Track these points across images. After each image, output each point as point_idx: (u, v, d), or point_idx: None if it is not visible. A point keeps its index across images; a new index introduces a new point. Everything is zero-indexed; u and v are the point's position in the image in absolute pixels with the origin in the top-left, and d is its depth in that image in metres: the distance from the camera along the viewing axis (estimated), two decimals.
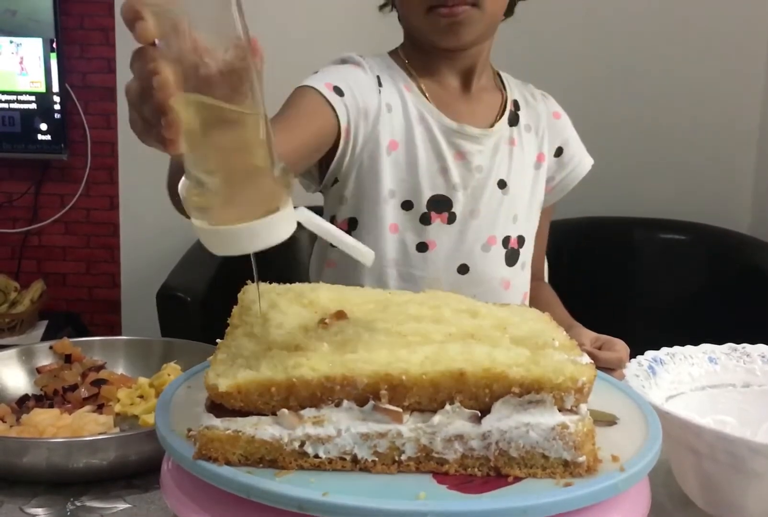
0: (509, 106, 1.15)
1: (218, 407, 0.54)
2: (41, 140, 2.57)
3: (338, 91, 1.02)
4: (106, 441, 0.73)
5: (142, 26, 0.50)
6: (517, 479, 0.53)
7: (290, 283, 0.72)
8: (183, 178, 0.55)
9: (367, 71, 1.09)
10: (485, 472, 0.53)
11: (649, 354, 0.79)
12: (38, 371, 0.91)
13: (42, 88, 2.54)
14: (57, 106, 2.55)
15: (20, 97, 2.55)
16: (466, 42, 1.06)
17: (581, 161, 1.22)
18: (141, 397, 0.89)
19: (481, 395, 0.53)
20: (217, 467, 0.52)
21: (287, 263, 2.12)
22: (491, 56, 1.16)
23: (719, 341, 0.83)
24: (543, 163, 1.18)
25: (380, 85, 1.09)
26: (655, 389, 0.75)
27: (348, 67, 1.09)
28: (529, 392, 0.53)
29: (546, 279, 1.34)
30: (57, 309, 2.64)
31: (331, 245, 1.12)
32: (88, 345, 0.94)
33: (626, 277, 2.45)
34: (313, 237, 0.77)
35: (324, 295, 0.68)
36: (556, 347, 0.58)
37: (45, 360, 0.92)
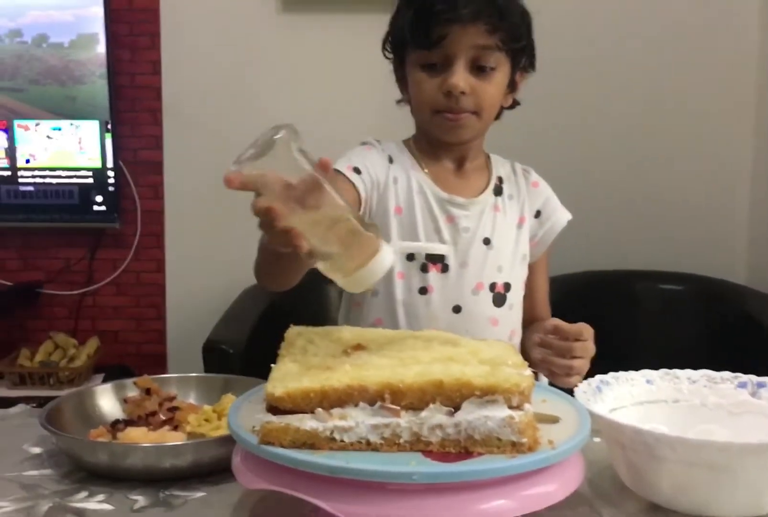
0: (494, 181, 1.41)
1: (274, 408, 0.78)
2: (96, 211, 2.83)
3: (357, 171, 1.31)
4: (186, 446, 0.98)
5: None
6: (480, 454, 0.76)
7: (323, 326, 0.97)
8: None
9: (380, 151, 1.38)
10: (458, 450, 0.77)
11: (598, 377, 1.02)
12: (125, 400, 1.16)
13: (98, 164, 2.81)
14: (111, 180, 2.81)
15: (78, 173, 2.82)
16: (463, 140, 1.33)
17: (558, 219, 1.45)
18: (206, 420, 1.13)
19: (453, 396, 0.77)
20: (274, 449, 0.76)
21: (320, 311, 2.42)
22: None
23: None
24: (524, 224, 1.42)
25: (391, 162, 1.37)
26: (600, 403, 0.98)
27: (364, 149, 1.38)
28: (487, 394, 0.76)
29: None
30: (110, 363, 2.87)
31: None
32: (167, 381, 1.19)
33: (627, 326, 2.59)
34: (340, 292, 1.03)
35: (347, 334, 0.93)
36: (509, 365, 0.82)
37: (131, 392, 1.17)
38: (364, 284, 0.87)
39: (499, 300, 1.37)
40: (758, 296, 2.62)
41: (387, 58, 1.37)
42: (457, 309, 1.34)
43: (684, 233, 2.83)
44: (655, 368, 1.07)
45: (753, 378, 1.02)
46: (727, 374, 1.03)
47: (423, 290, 1.33)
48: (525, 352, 1.31)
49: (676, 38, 2.75)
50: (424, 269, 1.34)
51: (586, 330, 1.20)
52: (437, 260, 1.34)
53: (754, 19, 2.74)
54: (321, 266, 0.86)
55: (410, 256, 1.34)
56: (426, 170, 1.37)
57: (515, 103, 1.38)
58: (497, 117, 1.36)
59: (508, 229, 1.40)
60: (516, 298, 1.40)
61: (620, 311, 2.62)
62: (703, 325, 2.61)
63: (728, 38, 2.75)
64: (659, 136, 2.80)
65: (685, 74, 2.76)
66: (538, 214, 1.44)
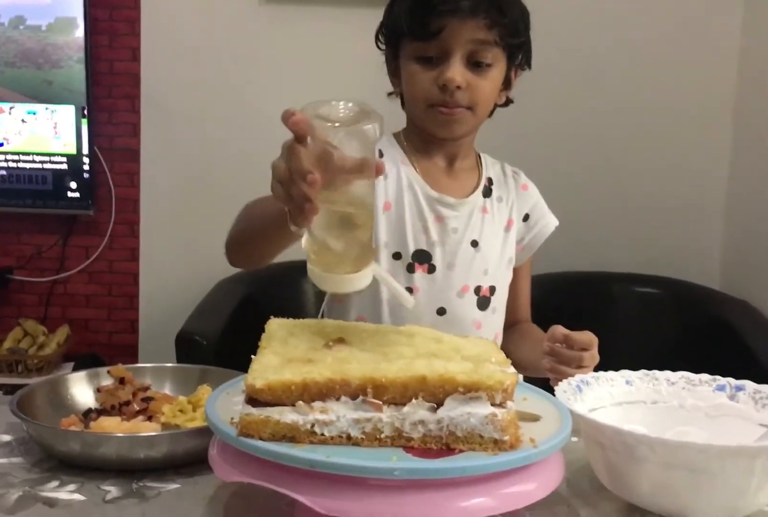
0: (484, 182, 1.40)
1: (254, 400, 0.76)
2: (70, 197, 2.81)
3: None
4: (161, 437, 0.96)
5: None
6: (461, 451, 0.75)
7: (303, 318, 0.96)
8: (306, 235, 0.85)
9: None
10: (439, 446, 0.76)
11: (578, 377, 1.01)
12: (98, 389, 1.14)
13: (73, 150, 2.79)
14: (86, 167, 2.80)
15: (53, 159, 2.80)
16: (457, 135, 1.31)
17: (546, 224, 1.45)
18: (181, 411, 1.11)
19: (437, 392, 0.76)
20: (254, 441, 0.75)
21: (295, 305, 2.41)
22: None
23: None
24: (512, 227, 1.41)
25: (380, 156, 1.33)
26: (580, 402, 0.97)
27: None
28: (470, 391, 0.75)
29: None
30: (80, 352, 2.85)
31: None
32: (141, 371, 1.17)
33: (604, 327, 2.62)
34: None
35: (329, 327, 0.92)
36: (492, 362, 0.81)
37: (105, 381, 1.15)
38: (333, 288, 0.88)
39: (484, 303, 1.36)
40: (731, 300, 2.67)
41: (380, 49, 1.35)
42: (441, 311, 1.33)
43: (661, 238, 2.87)
44: (629, 368, 1.06)
45: (731, 381, 1.02)
46: (705, 376, 1.03)
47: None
48: (507, 354, 1.31)
49: (661, 45, 2.77)
50: (410, 269, 1.32)
51: (594, 340, 1.19)
52: (424, 261, 1.33)
53: (737, 31, 2.76)
54: (306, 246, 0.86)
55: (396, 255, 1.32)
56: (416, 166, 1.35)
57: (508, 101, 1.36)
58: (490, 114, 1.35)
59: (495, 231, 1.39)
60: (500, 302, 1.39)
61: (598, 312, 2.65)
62: (678, 327, 2.65)
63: (708, 50, 2.78)
64: (639, 142, 2.83)
65: (665, 82, 2.79)
66: (526, 217, 1.44)
